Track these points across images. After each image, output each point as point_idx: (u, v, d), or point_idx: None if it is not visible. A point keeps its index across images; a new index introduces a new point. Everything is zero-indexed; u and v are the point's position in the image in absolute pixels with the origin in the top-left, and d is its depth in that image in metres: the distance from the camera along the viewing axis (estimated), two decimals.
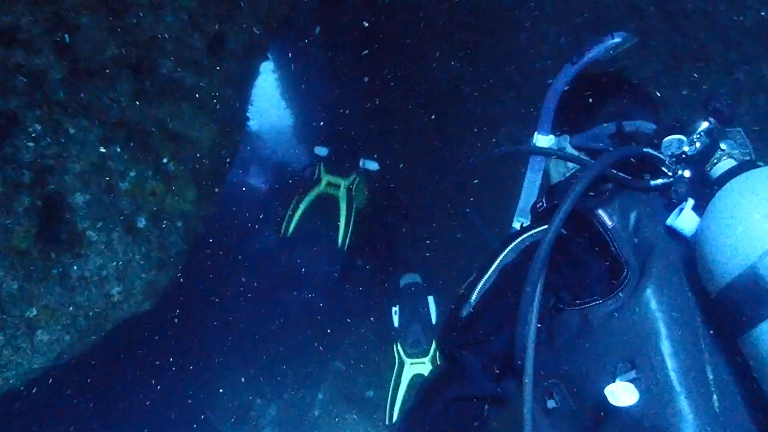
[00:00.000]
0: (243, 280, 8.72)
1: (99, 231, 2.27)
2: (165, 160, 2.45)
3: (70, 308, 2.25)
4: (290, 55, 7.19)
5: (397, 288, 3.47)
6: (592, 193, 1.15)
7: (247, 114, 3.18)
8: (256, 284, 8.57)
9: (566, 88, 1.39)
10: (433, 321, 3.31)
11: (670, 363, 0.96)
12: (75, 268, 2.23)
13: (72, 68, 1.96)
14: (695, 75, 2.87)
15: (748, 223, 0.88)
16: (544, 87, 1.44)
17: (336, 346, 5.77)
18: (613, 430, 0.98)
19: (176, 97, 2.45)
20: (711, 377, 0.95)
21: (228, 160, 3.03)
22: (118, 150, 2.23)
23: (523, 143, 1.56)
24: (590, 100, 1.35)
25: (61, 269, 2.20)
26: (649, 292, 1.01)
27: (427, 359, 3.30)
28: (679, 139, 1.13)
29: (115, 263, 2.34)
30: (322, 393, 5.37)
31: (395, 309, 3.31)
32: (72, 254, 2.22)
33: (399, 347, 3.30)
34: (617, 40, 1.37)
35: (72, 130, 2.04)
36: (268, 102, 10.48)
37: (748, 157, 1.09)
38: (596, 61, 1.37)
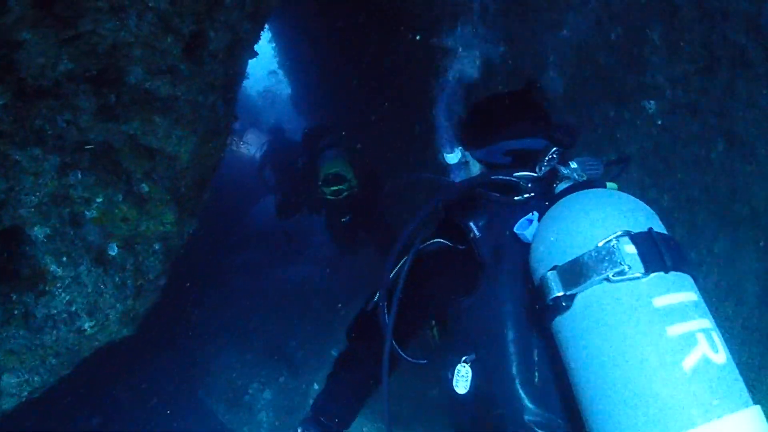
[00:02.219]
0: (240, 254, 8.51)
1: (64, 265, 2.04)
2: (137, 181, 2.19)
3: (38, 350, 2.06)
4: (288, 23, 6.73)
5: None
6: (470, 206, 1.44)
7: (235, 114, 2.88)
8: (253, 259, 8.36)
9: (470, 109, 1.66)
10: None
11: (507, 348, 1.26)
12: (39, 306, 2.02)
13: (17, 91, 1.68)
14: (732, 81, 2.56)
15: (556, 236, 1.13)
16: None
17: (333, 333, 5.64)
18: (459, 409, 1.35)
19: (148, 110, 2.16)
20: (536, 359, 1.25)
21: (214, 168, 2.76)
22: (80, 176, 1.97)
23: None
24: (490, 121, 1.60)
25: (23, 310, 1.99)
26: (495, 289, 1.31)
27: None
28: (531, 167, 1.42)
29: (84, 297, 2.13)
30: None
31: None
32: (35, 293, 2.00)
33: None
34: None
35: (22, 162, 1.77)
36: (265, 69, 10.01)
37: (583, 179, 1.36)
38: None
